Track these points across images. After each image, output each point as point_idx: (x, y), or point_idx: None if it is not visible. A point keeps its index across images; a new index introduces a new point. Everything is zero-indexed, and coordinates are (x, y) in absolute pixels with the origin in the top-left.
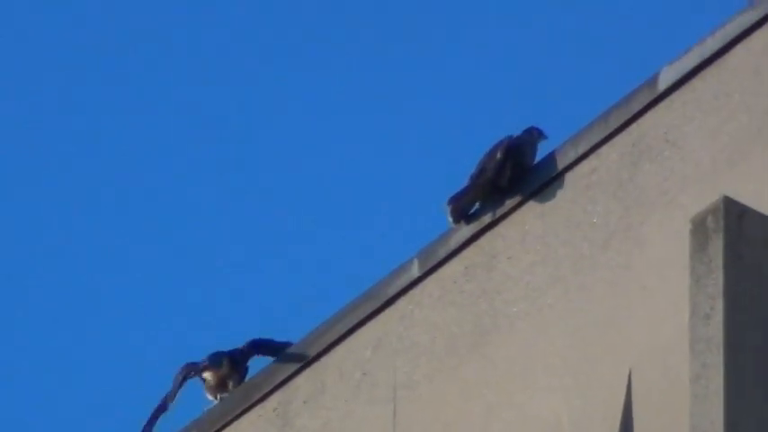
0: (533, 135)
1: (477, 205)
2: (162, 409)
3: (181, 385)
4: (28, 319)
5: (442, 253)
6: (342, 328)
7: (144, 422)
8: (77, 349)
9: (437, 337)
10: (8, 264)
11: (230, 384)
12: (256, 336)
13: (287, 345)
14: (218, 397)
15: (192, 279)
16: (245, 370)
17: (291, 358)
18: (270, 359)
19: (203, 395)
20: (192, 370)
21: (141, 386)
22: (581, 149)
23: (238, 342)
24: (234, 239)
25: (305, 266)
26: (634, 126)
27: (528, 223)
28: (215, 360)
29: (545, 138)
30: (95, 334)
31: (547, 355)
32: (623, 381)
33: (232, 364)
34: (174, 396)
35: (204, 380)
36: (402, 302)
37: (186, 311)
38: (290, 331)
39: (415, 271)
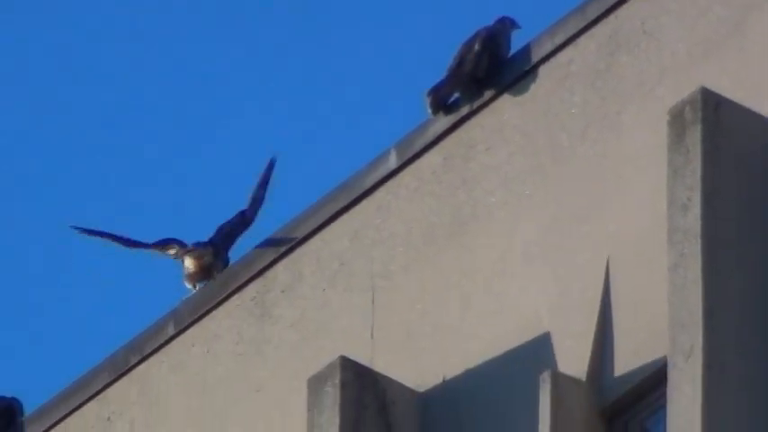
0: (506, 25)
1: (455, 96)
2: (131, 243)
3: (163, 248)
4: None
5: (420, 144)
6: (319, 219)
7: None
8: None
9: (414, 228)
10: None
11: (214, 274)
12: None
13: (245, 215)
14: (196, 286)
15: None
16: (227, 260)
17: (269, 248)
18: (250, 247)
19: (181, 284)
20: (174, 245)
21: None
22: (558, 40)
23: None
24: (211, 125)
25: (283, 156)
26: (611, 17)
27: (506, 113)
28: (199, 245)
29: (518, 27)
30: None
31: (525, 244)
32: (601, 270)
33: (216, 252)
34: (147, 248)
35: (185, 266)
36: (379, 193)
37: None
38: (268, 221)
39: (392, 162)
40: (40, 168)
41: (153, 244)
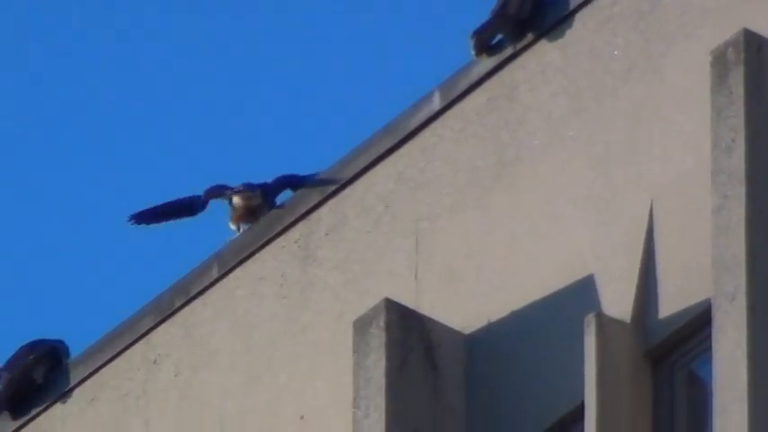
0: None
1: (498, 37)
2: (187, 210)
3: (210, 197)
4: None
5: (464, 85)
6: (364, 161)
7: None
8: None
9: (459, 170)
10: None
11: (260, 216)
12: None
13: (313, 178)
14: (240, 228)
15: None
16: (274, 205)
17: (314, 190)
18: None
19: (226, 226)
20: (225, 190)
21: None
22: None
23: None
24: (257, 81)
25: (327, 99)
26: None
27: (549, 55)
28: (249, 187)
29: None
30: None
31: (569, 185)
32: (645, 212)
33: (264, 195)
34: (204, 205)
35: (233, 206)
36: (424, 135)
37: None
38: (313, 165)
39: (436, 103)
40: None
41: (206, 196)
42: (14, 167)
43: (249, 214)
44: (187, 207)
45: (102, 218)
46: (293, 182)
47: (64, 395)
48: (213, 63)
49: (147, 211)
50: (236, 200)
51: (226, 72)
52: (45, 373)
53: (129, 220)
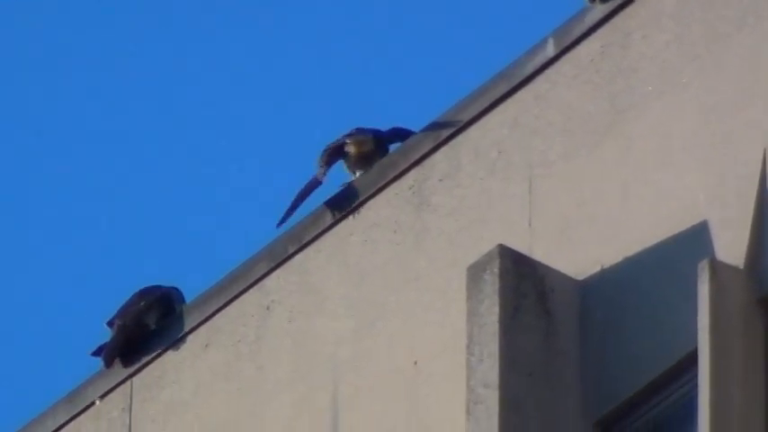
0: None
1: None
2: (313, 185)
3: (329, 162)
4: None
5: (578, 32)
6: (478, 107)
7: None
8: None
9: (573, 117)
10: None
11: (373, 163)
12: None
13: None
14: (356, 174)
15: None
16: (387, 153)
17: (428, 136)
18: None
19: (343, 173)
20: (337, 144)
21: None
22: None
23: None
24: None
25: (442, 45)
26: None
27: (662, 2)
28: (361, 131)
29: None
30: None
31: (683, 132)
32: (759, 158)
33: (377, 142)
34: (325, 172)
35: (347, 152)
36: (538, 82)
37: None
38: (428, 113)
39: (550, 50)
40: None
41: (327, 157)
42: (143, 113)
43: (362, 160)
44: (312, 186)
45: (219, 165)
46: (407, 135)
47: (177, 341)
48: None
49: (286, 212)
50: (349, 146)
51: (335, 19)
52: (158, 318)
53: (278, 226)
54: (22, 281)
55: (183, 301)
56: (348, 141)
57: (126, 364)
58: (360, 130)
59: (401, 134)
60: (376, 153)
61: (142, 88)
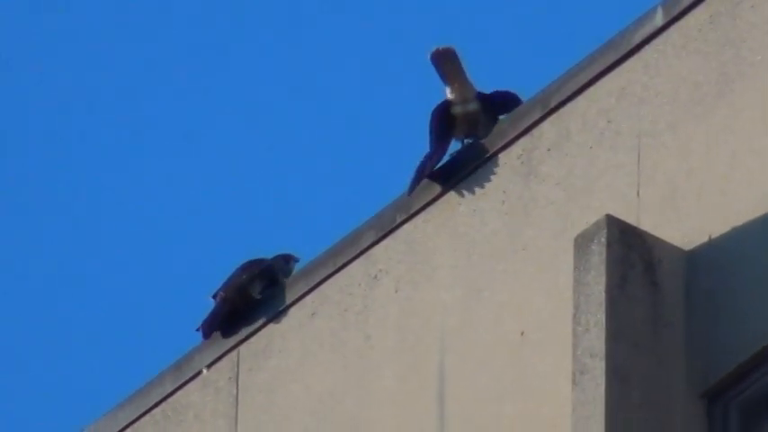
0: None
1: None
2: (432, 162)
3: (443, 146)
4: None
5: (687, 1)
6: (586, 77)
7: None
8: None
9: (681, 86)
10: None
11: (479, 129)
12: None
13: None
14: (464, 142)
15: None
16: (495, 121)
17: (536, 105)
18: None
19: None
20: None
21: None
22: None
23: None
24: None
25: (550, 14)
26: None
27: None
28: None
29: None
30: None
31: None
32: None
33: (484, 105)
34: (440, 158)
35: (453, 115)
36: (646, 51)
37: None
38: (534, 80)
39: (659, 19)
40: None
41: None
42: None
43: (468, 123)
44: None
45: (326, 134)
46: (509, 97)
47: (284, 310)
48: None
49: (412, 183)
50: (454, 111)
51: None
52: (262, 289)
53: (409, 194)
54: (139, 249)
55: (289, 272)
56: (452, 104)
57: (226, 335)
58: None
59: (504, 97)
60: (479, 115)
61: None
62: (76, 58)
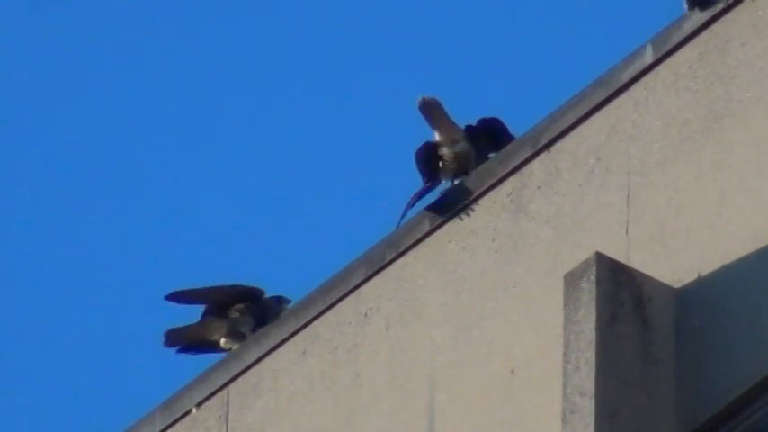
0: None
1: None
2: (417, 195)
3: (433, 184)
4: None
5: (676, 39)
6: (575, 115)
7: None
8: None
9: (670, 124)
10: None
11: (470, 167)
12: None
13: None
14: (454, 181)
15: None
16: (481, 151)
17: (525, 144)
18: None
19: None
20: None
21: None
22: None
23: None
24: None
25: (538, 51)
26: None
27: (761, 9)
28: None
29: None
30: None
31: None
32: None
33: (473, 141)
34: (426, 193)
35: (442, 158)
36: (636, 89)
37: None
38: (524, 118)
39: (648, 57)
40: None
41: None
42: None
43: (458, 163)
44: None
45: (314, 173)
46: (495, 125)
47: (274, 349)
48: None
49: (400, 218)
50: (442, 152)
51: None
52: (254, 326)
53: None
54: (120, 283)
55: (280, 313)
56: (439, 143)
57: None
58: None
59: (489, 125)
60: (470, 151)
61: (234, 84)
62: (77, 59)
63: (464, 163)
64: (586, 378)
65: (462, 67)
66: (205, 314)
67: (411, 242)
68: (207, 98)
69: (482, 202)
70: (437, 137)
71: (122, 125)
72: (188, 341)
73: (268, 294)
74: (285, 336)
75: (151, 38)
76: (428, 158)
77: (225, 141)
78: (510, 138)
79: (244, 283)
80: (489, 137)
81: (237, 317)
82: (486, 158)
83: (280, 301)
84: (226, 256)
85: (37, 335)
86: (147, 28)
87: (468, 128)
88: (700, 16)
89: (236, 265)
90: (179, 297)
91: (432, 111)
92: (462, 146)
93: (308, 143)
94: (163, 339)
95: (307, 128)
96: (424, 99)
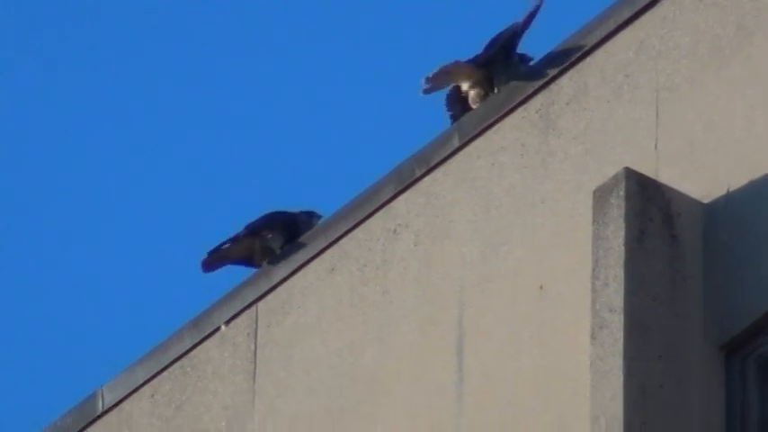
0: None
1: None
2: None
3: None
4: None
5: None
6: (603, 30)
7: None
8: None
9: (699, 39)
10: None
11: (495, 88)
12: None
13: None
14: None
15: None
16: (509, 57)
17: (554, 60)
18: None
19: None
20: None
21: None
22: None
23: None
24: None
25: None
26: None
27: None
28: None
29: None
30: None
31: None
32: None
33: (484, 64)
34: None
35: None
36: (664, 4)
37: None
38: (552, 33)
39: None
40: None
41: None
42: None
43: (482, 97)
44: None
45: (344, 86)
46: (498, 42)
47: (303, 266)
48: None
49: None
50: (466, 94)
51: None
52: (283, 243)
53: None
54: (153, 213)
55: (311, 228)
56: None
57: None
58: (455, 63)
59: (494, 44)
60: (486, 75)
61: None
62: (77, 58)
63: (488, 92)
64: (615, 294)
65: None
66: (237, 237)
67: (440, 158)
68: (201, 95)
69: (510, 118)
70: (460, 87)
71: (122, 125)
72: (223, 261)
73: (298, 210)
74: (314, 253)
75: (150, 38)
76: (456, 105)
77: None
78: (515, 38)
79: (273, 212)
80: (501, 53)
81: (269, 236)
82: (514, 67)
83: (311, 215)
84: (260, 170)
85: (66, 253)
86: (147, 28)
87: (477, 58)
88: None
89: (268, 182)
90: (215, 262)
91: (438, 82)
92: (475, 74)
93: (337, 60)
94: (202, 268)
95: (337, 50)
96: (424, 88)
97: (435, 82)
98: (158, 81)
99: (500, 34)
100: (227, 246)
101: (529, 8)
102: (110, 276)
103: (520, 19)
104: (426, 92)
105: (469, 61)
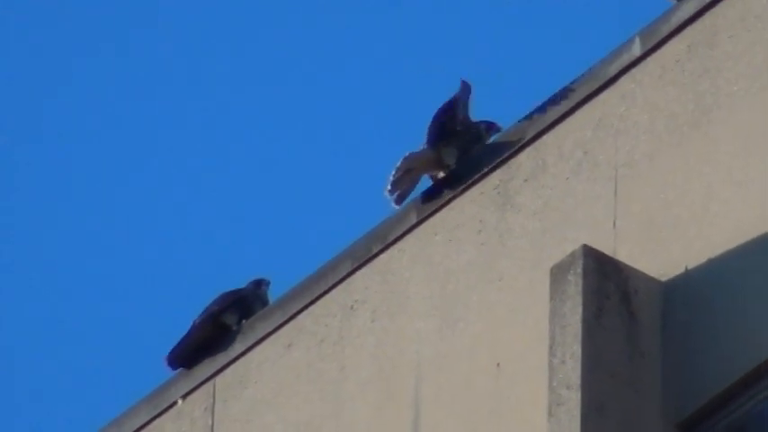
0: None
1: None
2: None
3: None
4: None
5: (665, 31)
6: (563, 108)
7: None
8: None
9: (658, 117)
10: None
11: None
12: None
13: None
14: (437, 177)
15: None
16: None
17: (512, 137)
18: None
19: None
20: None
21: None
22: None
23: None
24: None
25: (523, 45)
26: None
27: (750, 2)
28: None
29: None
30: None
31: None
32: None
33: (433, 145)
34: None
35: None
36: (623, 81)
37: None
38: (510, 111)
39: (636, 49)
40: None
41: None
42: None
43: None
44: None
45: (299, 165)
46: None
47: (260, 341)
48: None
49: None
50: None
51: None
52: (238, 319)
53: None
54: (108, 279)
55: (263, 296)
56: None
57: (188, 365)
58: (408, 157)
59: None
60: (439, 158)
61: (238, 83)
62: (77, 59)
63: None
64: (572, 371)
65: (451, 60)
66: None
67: (397, 234)
68: (198, 96)
69: (469, 194)
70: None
71: (121, 124)
72: (188, 353)
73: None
74: (271, 328)
75: (151, 37)
76: (441, 127)
77: (208, 140)
78: (450, 111)
79: (223, 293)
80: (443, 129)
81: (216, 310)
82: (463, 140)
83: (259, 284)
84: (213, 250)
85: (23, 331)
86: (148, 28)
87: (427, 142)
88: (688, 8)
89: (223, 258)
90: (178, 359)
91: (403, 184)
92: (435, 158)
93: (294, 138)
94: (168, 366)
95: (294, 122)
96: (393, 199)
97: (400, 185)
98: (158, 81)
99: (437, 112)
100: (186, 340)
101: (458, 89)
102: (66, 353)
103: (456, 92)
104: (398, 200)
105: (419, 149)
